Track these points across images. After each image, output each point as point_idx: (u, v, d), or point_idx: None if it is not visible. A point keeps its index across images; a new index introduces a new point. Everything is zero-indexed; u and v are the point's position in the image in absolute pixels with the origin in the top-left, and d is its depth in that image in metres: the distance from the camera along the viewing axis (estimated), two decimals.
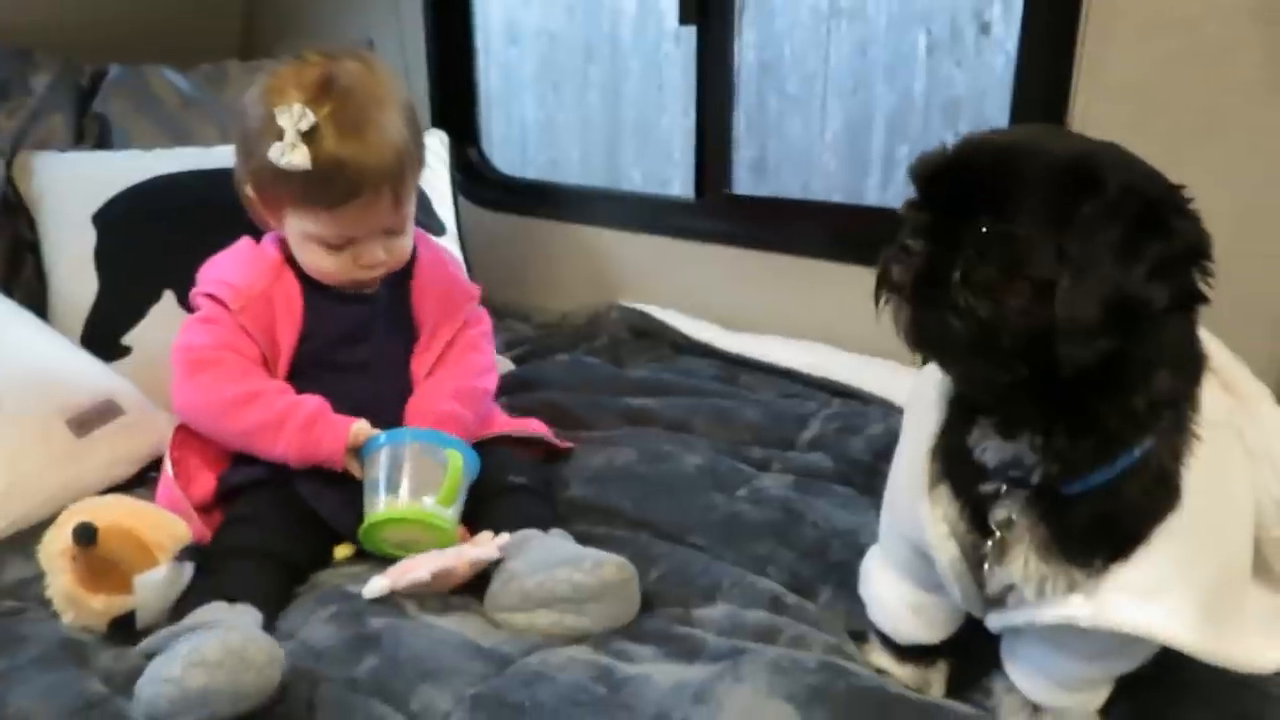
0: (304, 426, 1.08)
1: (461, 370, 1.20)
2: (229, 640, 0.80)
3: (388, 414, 1.13)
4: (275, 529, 1.03)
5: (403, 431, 1.08)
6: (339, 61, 1.11)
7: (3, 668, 0.88)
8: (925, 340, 0.71)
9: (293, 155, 1.04)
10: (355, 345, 1.17)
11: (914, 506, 0.82)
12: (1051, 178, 0.65)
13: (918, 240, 0.69)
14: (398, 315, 1.21)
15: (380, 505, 1.04)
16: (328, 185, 1.06)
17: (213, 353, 1.11)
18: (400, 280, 1.21)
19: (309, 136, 1.05)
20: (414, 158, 1.13)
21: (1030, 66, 1.42)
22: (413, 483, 1.04)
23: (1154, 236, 0.63)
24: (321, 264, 1.14)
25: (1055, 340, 0.64)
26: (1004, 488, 0.75)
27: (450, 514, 1.04)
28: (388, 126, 1.09)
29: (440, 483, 1.04)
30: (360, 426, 1.09)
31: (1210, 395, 0.73)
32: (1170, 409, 0.70)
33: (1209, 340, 0.76)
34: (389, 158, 1.08)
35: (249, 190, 1.15)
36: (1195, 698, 0.79)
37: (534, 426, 1.27)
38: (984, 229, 0.66)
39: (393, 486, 1.04)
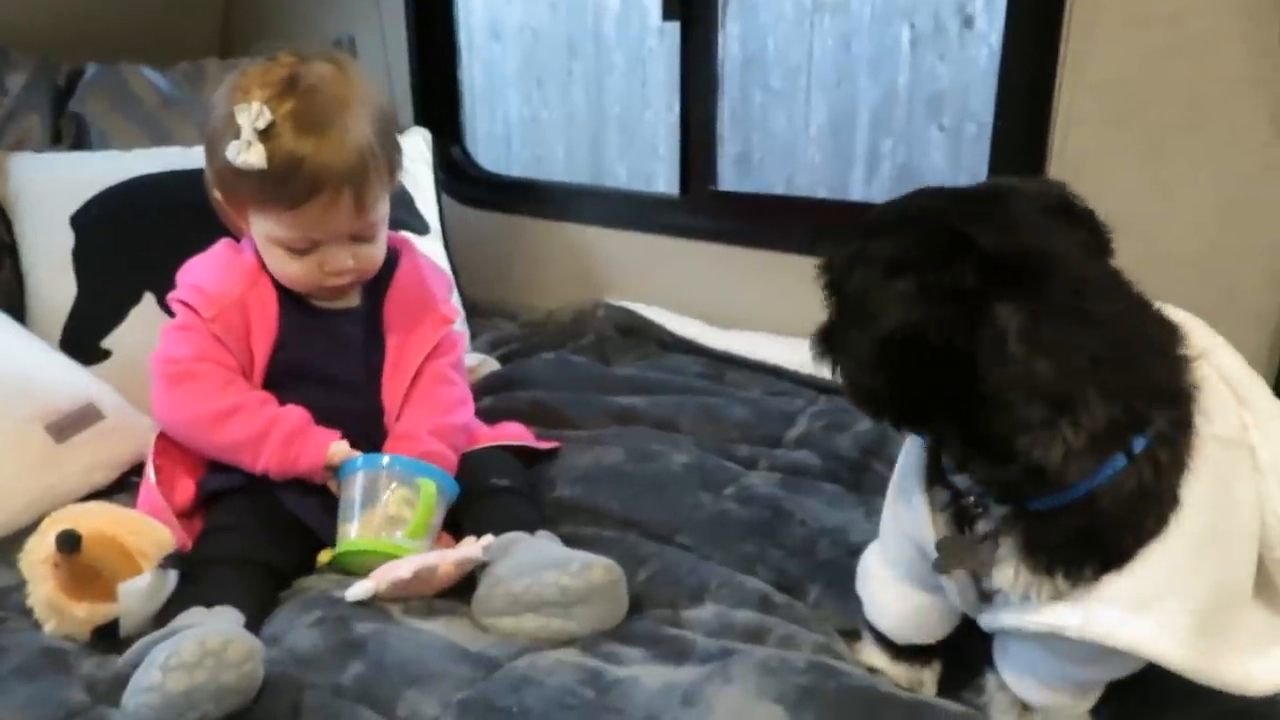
0: (284, 441, 1.07)
1: (435, 406, 1.17)
2: (206, 640, 0.79)
3: (364, 431, 1.12)
4: (256, 535, 1.02)
5: (379, 457, 1.06)
6: (309, 63, 1.09)
7: None
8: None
9: (248, 154, 1.02)
10: (333, 359, 1.15)
11: (914, 504, 0.82)
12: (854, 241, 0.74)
13: None
14: (377, 330, 1.19)
15: (351, 534, 1.03)
16: (284, 184, 1.04)
17: (192, 365, 1.10)
18: (377, 291, 1.19)
19: (266, 134, 1.03)
20: (381, 163, 1.09)
21: (1014, 61, 1.42)
22: (384, 513, 1.02)
23: (899, 279, 0.69)
24: (286, 269, 1.12)
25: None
26: (978, 500, 0.76)
27: (420, 545, 1.03)
28: (351, 127, 1.06)
29: (412, 514, 1.03)
30: (338, 447, 1.07)
31: (1225, 410, 0.73)
32: (1125, 431, 0.69)
33: (1228, 354, 0.76)
34: (350, 157, 1.05)
35: (216, 193, 1.13)
36: (1187, 697, 0.78)
37: (513, 433, 1.26)
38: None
39: (363, 515, 1.03)
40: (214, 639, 0.80)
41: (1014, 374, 0.67)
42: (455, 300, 1.36)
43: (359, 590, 0.95)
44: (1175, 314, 0.77)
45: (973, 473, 0.74)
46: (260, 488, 1.08)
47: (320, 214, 1.06)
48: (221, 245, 1.18)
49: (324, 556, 1.05)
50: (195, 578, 0.96)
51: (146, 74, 1.71)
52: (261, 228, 1.10)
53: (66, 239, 1.43)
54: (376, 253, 1.15)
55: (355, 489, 1.04)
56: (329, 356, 1.15)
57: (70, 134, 1.63)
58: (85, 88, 1.65)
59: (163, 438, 1.13)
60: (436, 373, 1.19)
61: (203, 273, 1.15)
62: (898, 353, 0.69)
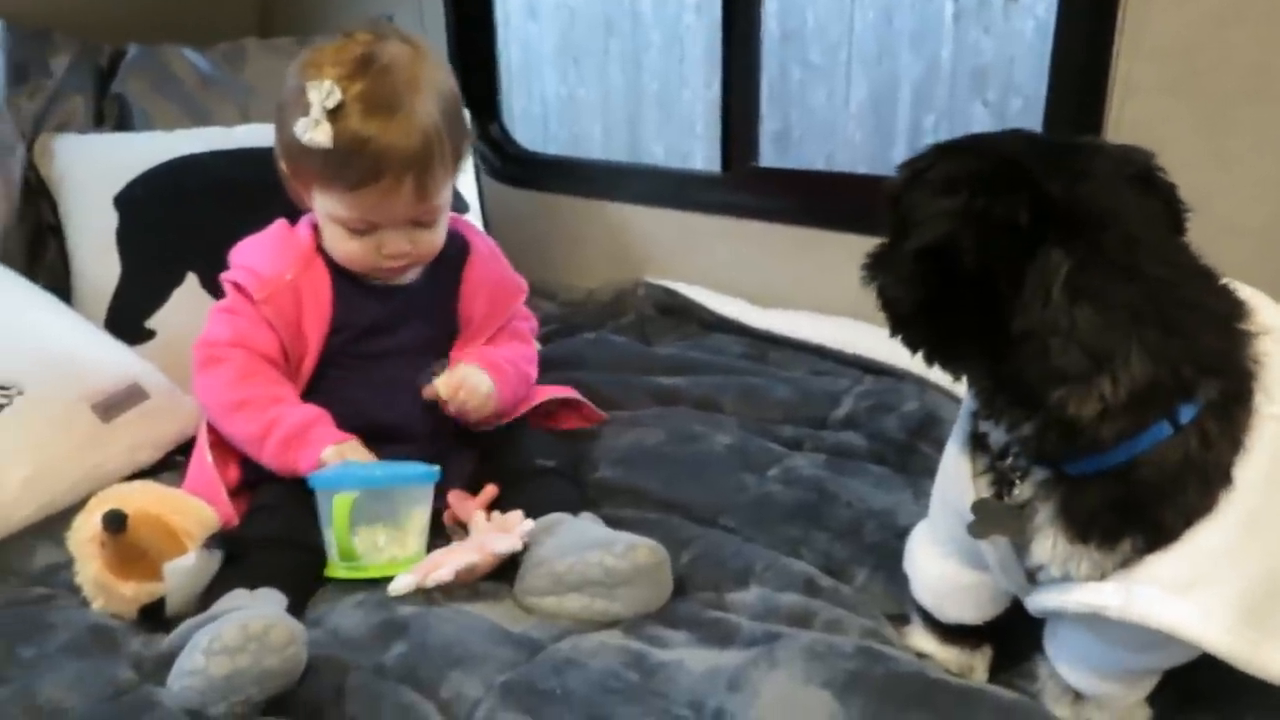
0: (281, 445, 1.06)
1: (508, 350, 1.20)
2: (249, 625, 0.79)
3: (413, 402, 1.12)
4: (300, 516, 1.02)
5: (340, 477, 1.01)
6: (385, 42, 1.07)
7: (32, 655, 0.87)
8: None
9: (315, 132, 1.02)
10: (383, 335, 1.15)
11: (956, 469, 0.81)
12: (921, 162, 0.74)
13: None
14: (436, 306, 1.19)
15: (330, 555, 1.00)
16: (347, 165, 1.04)
17: (223, 350, 1.10)
18: (449, 272, 1.19)
19: (335, 114, 1.02)
20: (446, 148, 1.08)
21: (1068, 29, 1.37)
22: (349, 533, 0.98)
23: (949, 198, 0.69)
24: (343, 247, 1.11)
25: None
26: (1014, 463, 0.75)
27: (369, 555, 0.99)
28: (419, 111, 1.05)
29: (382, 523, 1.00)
30: (328, 454, 1.04)
31: None
32: (1170, 396, 0.67)
33: None
34: (415, 141, 1.04)
35: (282, 164, 1.13)
36: (1245, 687, 0.75)
37: (571, 392, 1.28)
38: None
39: (332, 534, 0.99)
40: (256, 623, 0.80)
41: (1052, 320, 0.66)
42: None
43: (401, 585, 0.94)
44: (1240, 289, 0.74)
45: (1000, 420, 0.73)
46: None
47: (380, 198, 1.06)
48: (275, 227, 1.18)
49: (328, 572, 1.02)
50: (239, 558, 0.97)
51: (187, 55, 1.72)
52: (323, 205, 1.10)
53: (110, 220, 1.45)
54: (436, 238, 1.14)
55: (321, 510, 1.00)
56: (383, 334, 1.15)
57: (113, 115, 1.64)
58: (127, 69, 1.67)
59: None
60: (514, 330, 1.24)
61: (256, 254, 1.15)
62: (931, 270, 0.69)
